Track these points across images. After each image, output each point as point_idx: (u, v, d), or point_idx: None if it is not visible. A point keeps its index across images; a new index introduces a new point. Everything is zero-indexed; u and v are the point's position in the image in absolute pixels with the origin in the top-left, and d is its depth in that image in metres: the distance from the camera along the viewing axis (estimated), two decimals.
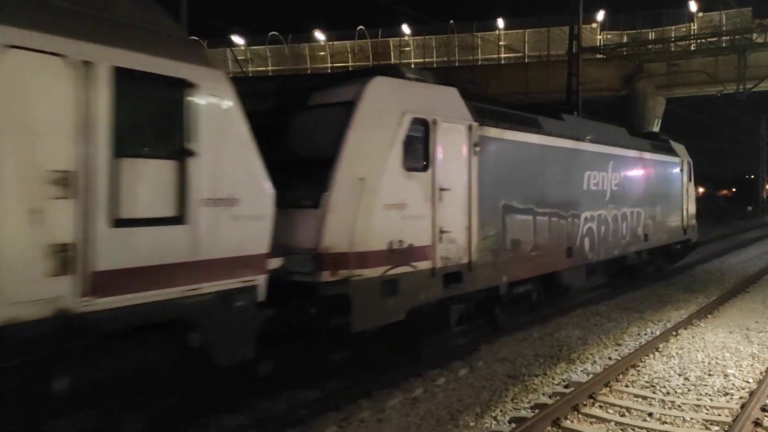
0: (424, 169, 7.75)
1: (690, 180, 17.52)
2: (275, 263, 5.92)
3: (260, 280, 5.75)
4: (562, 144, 10.96)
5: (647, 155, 14.70)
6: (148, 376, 5.06)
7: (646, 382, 7.65)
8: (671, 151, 16.56)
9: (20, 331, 4.05)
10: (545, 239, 10.34)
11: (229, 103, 5.49)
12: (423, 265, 7.68)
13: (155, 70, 4.91)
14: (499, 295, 9.28)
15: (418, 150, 7.68)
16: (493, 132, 9.04)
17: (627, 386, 7.49)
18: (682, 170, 16.94)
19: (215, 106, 5.38)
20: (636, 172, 14.12)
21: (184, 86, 5.11)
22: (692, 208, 17.71)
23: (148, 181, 4.87)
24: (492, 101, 10.21)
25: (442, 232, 7.89)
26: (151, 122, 5.09)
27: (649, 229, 14.63)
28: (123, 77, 4.64)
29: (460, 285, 8.30)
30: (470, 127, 8.47)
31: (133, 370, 4.93)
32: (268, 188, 5.80)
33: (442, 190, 7.89)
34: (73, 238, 4.33)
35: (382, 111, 7.28)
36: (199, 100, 5.21)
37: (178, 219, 5.01)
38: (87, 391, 4.64)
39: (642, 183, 14.39)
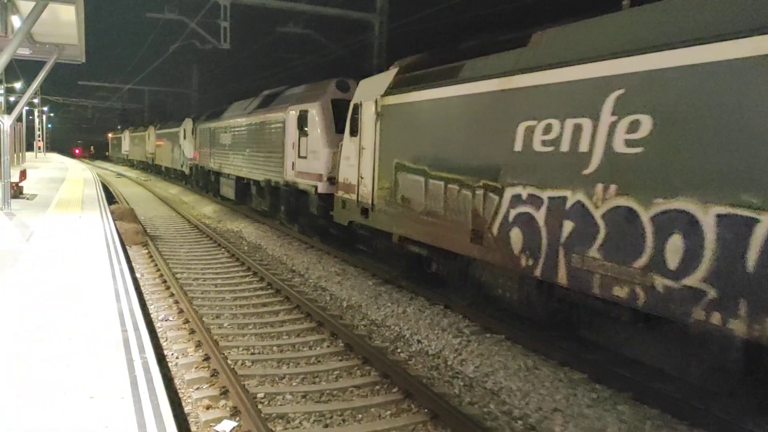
0: (355, 134, 11.89)
1: None
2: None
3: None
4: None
5: None
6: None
7: None
8: None
9: None
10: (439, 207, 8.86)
11: None
12: (353, 196, 11.87)
13: None
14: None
15: (355, 121, 11.90)
16: (391, 99, 10.31)
17: None
18: None
19: None
20: None
21: None
22: None
23: None
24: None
25: (361, 177, 11.41)
26: None
27: None
28: None
29: (368, 219, 11.15)
30: (377, 100, 10.70)
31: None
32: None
33: (362, 148, 11.30)
34: None
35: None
36: None
37: None
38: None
39: None
